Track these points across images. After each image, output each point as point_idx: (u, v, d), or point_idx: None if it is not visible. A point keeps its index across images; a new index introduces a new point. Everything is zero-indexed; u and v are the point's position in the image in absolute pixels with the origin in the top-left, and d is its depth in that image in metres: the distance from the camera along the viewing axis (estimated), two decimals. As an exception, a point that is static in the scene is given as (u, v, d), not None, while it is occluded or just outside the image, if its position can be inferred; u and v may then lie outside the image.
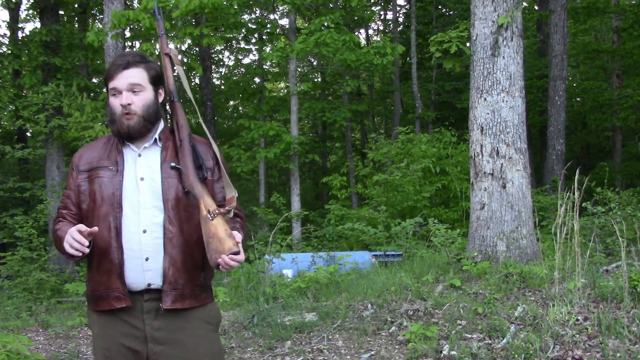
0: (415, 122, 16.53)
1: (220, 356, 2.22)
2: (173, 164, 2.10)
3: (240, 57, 20.33)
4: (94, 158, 2.15)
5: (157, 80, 2.17)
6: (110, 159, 2.13)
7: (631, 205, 8.04)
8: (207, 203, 2.02)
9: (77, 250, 1.94)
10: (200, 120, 2.34)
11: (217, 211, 2.00)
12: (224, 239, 1.96)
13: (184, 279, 2.08)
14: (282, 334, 4.88)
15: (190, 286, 2.10)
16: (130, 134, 2.10)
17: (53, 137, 12.60)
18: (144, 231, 2.06)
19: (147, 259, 2.06)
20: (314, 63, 16.74)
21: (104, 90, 2.25)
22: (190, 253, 2.09)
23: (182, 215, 2.08)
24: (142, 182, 2.09)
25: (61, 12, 15.06)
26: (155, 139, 2.15)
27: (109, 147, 2.16)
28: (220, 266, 1.96)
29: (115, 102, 2.09)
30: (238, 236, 2.00)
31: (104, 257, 2.06)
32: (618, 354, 3.90)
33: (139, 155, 2.13)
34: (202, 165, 2.12)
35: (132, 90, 2.09)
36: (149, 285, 2.07)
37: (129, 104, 2.08)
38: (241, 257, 1.97)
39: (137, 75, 2.10)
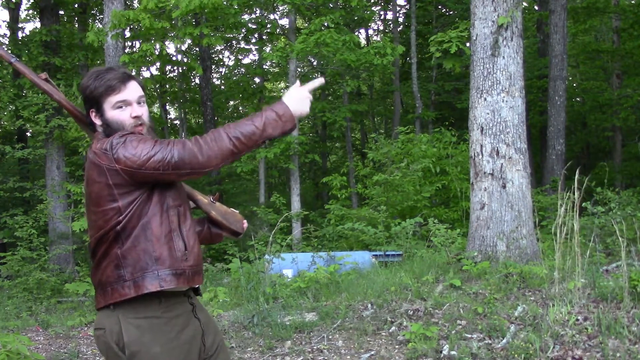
0: (415, 122, 16.52)
1: None
2: None
3: (240, 57, 20.32)
4: None
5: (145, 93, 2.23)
6: None
7: (631, 205, 8.04)
8: (201, 194, 2.35)
9: None
10: None
11: (213, 198, 2.39)
12: (234, 211, 2.41)
13: None
14: (282, 334, 4.88)
15: None
16: None
17: (53, 137, 12.61)
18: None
19: None
20: (314, 63, 16.72)
21: (91, 109, 2.21)
22: None
23: None
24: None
25: (61, 12, 15.06)
26: None
27: None
28: (243, 230, 2.40)
29: (124, 115, 2.07)
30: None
31: (196, 235, 2.18)
32: (618, 354, 3.90)
33: None
34: None
35: (139, 102, 2.11)
36: None
37: (141, 115, 2.10)
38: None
39: (139, 87, 2.13)
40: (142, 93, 2.12)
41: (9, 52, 2.29)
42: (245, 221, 2.44)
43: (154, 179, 2.00)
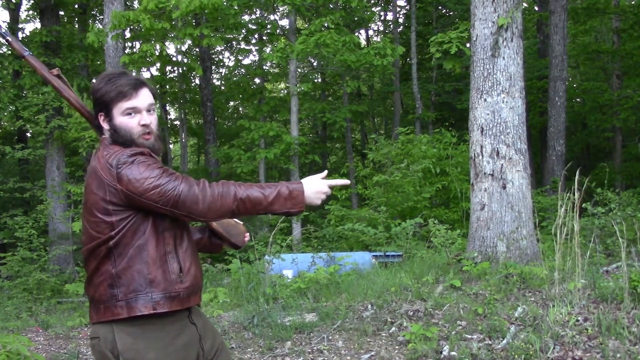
0: (415, 122, 16.53)
1: None
2: None
3: (240, 58, 20.32)
4: None
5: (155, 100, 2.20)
6: None
7: (631, 206, 8.05)
8: None
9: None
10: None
11: None
12: (237, 223, 2.40)
13: None
14: (282, 335, 4.88)
15: None
16: (154, 153, 2.09)
17: (53, 137, 12.61)
18: None
19: None
20: (314, 64, 16.73)
21: (100, 113, 2.16)
22: None
23: None
24: None
25: (61, 13, 15.08)
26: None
27: None
28: (244, 244, 2.40)
29: (132, 122, 2.05)
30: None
31: (196, 254, 2.16)
32: (618, 355, 3.90)
33: None
34: None
35: (149, 110, 2.09)
36: None
37: (150, 124, 2.08)
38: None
39: (150, 94, 2.11)
40: (152, 101, 2.10)
41: (22, 45, 2.26)
42: (247, 234, 2.41)
43: (150, 209, 1.97)
